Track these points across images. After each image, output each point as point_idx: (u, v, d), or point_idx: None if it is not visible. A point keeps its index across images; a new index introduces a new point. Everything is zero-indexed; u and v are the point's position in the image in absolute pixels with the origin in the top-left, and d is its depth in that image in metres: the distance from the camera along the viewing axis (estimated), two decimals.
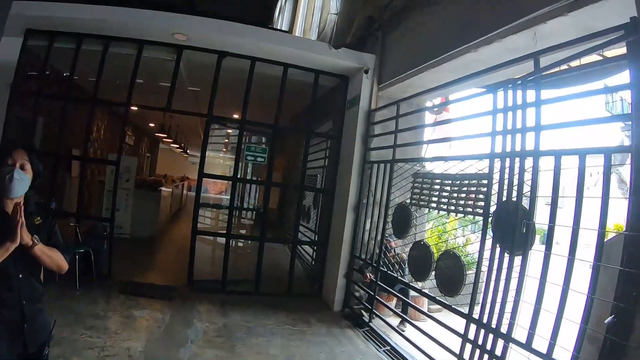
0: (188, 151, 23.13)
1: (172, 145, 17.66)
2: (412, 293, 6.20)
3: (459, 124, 5.30)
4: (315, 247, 8.68)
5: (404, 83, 6.51)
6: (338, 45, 6.99)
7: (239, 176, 7.67)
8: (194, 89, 8.99)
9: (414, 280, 5.49)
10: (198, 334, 5.25)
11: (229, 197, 8.05)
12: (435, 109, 7.69)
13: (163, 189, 12.02)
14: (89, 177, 11.09)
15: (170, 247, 10.41)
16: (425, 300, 6.86)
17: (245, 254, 9.30)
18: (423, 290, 5.56)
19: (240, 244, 9.85)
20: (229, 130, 15.28)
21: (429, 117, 7.60)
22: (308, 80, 7.61)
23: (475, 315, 4.23)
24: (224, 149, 21.11)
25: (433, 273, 4.99)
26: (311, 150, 8.01)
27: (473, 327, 4.26)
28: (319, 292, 7.60)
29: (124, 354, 4.47)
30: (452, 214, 5.21)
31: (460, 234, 8.03)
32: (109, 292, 6.26)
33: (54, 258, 2.50)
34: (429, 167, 5.95)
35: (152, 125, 15.16)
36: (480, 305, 4.17)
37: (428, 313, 5.47)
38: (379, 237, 6.33)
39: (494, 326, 3.99)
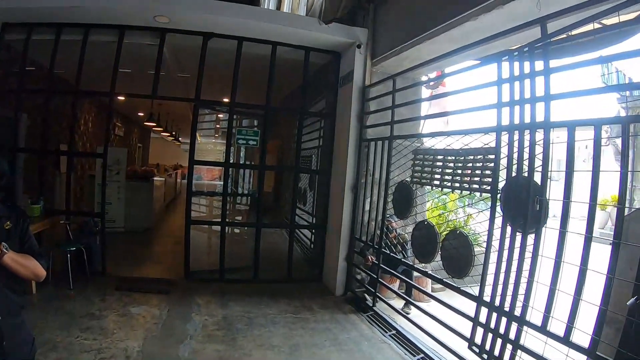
0: (180, 139, 22.78)
1: (162, 134, 17.27)
2: (415, 274, 6.04)
3: (459, 97, 5.05)
4: (313, 230, 8.49)
5: (399, 56, 6.22)
6: (328, 20, 6.69)
7: (231, 161, 7.31)
8: (180, 75, 8.66)
9: (418, 262, 5.29)
10: (197, 329, 5.05)
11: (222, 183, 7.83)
12: (432, 83, 7.44)
13: (155, 179, 11.76)
14: (79, 172, 10.91)
15: (166, 239, 10.14)
16: (429, 280, 6.71)
17: (242, 240, 9.07)
18: (427, 271, 5.36)
19: (236, 231, 9.61)
20: (220, 115, 14.97)
21: (425, 92, 7.36)
22: (298, 59, 7.32)
23: (486, 298, 4.05)
24: (216, 135, 20.74)
25: (439, 254, 4.80)
26: (305, 130, 7.75)
27: (484, 309, 4.08)
28: (319, 276, 7.42)
29: (122, 355, 4.27)
30: (456, 191, 5.00)
31: (461, 212, 7.82)
32: (104, 289, 6.05)
33: (29, 266, 2.25)
34: (429, 143, 5.72)
35: (141, 114, 14.75)
36: (491, 287, 3.98)
37: (434, 295, 5.27)
38: (379, 218, 6.13)
39: (507, 309, 3.81)
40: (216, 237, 7.61)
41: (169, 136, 18.35)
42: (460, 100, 5.10)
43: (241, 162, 13.50)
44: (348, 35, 6.81)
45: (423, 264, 5.42)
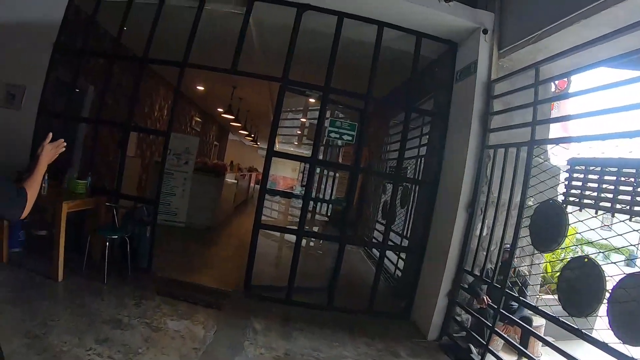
0: (258, 142, 22.01)
1: (240, 132, 16.21)
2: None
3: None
4: (401, 254, 7.02)
5: (535, 45, 4.87)
6: None
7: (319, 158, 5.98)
8: (264, 51, 7.50)
9: (567, 314, 3.72)
10: None
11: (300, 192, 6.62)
12: (557, 90, 6.01)
13: (227, 175, 10.73)
14: (147, 158, 10.15)
15: (229, 242, 8.96)
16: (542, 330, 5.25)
17: (316, 256, 7.73)
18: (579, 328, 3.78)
19: (311, 244, 8.28)
20: (303, 120, 13.82)
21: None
22: (404, 50, 6.05)
23: None
24: (296, 142, 19.71)
25: (604, 306, 3.27)
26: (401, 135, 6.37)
27: None
28: (406, 311, 5.90)
29: None
30: None
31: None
32: (143, 291, 4.91)
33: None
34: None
35: (220, 110, 13.73)
36: None
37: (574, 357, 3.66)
38: (496, 247, 4.72)
39: None
40: (288, 249, 6.34)
41: (247, 136, 17.42)
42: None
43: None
44: (471, 17, 5.49)
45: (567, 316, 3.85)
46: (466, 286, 5.09)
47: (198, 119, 15.73)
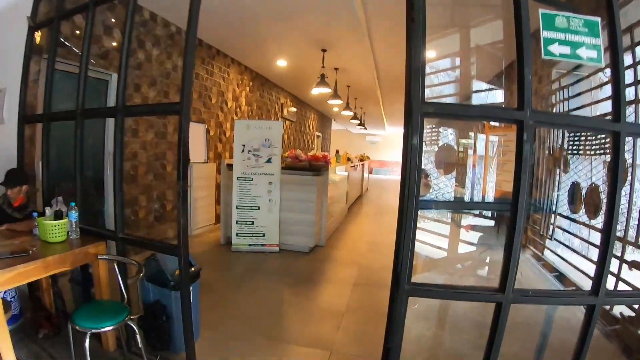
0: (366, 127, 19.14)
1: (344, 114, 13.12)
2: None
3: None
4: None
5: None
6: None
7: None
8: None
9: None
10: None
11: None
12: None
13: (333, 168, 7.89)
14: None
15: (344, 275, 5.57)
16: None
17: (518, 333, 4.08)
18: None
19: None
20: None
21: None
22: None
23: None
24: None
25: None
26: None
27: None
28: None
29: None
30: None
31: None
32: None
33: None
34: None
35: (314, 93, 10.67)
36: None
37: None
38: None
39: None
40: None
41: (352, 118, 14.39)
42: None
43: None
44: None
45: None
46: None
47: (292, 109, 13.20)
